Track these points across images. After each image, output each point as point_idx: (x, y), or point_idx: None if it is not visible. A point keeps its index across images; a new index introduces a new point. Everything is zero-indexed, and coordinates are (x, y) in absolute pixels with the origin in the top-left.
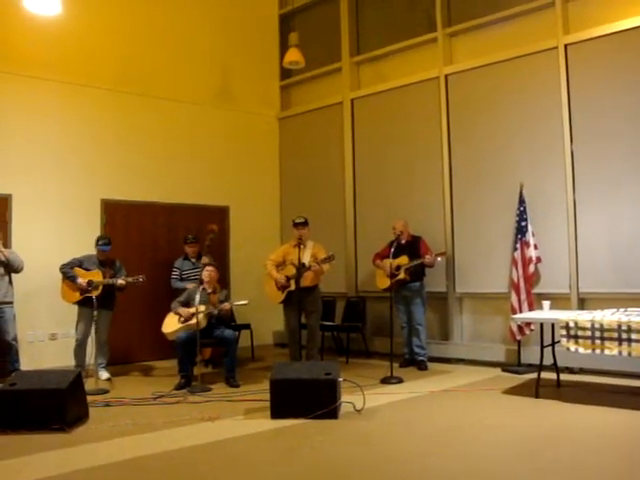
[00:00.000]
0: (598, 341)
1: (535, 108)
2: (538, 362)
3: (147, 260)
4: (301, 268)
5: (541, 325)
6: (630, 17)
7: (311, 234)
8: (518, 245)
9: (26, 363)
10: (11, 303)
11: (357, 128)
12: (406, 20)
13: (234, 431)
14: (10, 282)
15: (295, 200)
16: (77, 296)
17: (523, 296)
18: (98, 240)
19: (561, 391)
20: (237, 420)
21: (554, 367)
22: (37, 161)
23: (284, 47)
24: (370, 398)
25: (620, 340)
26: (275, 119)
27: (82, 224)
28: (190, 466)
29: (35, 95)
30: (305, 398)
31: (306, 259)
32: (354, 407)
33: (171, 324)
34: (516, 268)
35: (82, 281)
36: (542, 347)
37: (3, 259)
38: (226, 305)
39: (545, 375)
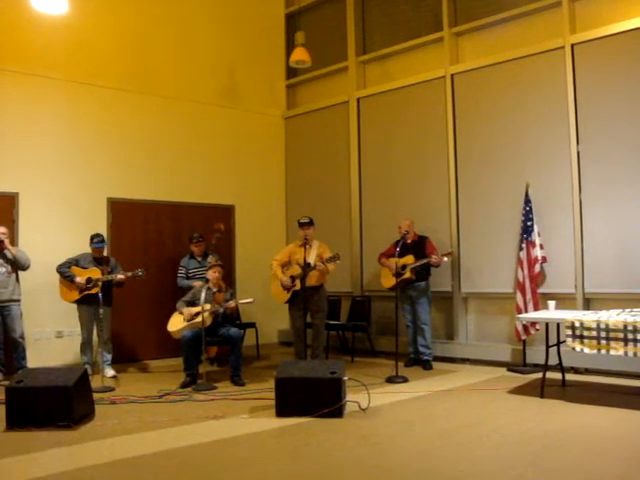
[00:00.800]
0: (604, 341)
1: (541, 108)
2: (543, 362)
3: (153, 259)
4: (307, 268)
5: (546, 325)
6: (637, 16)
7: (317, 234)
8: (524, 245)
9: (33, 360)
10: (18, 301)
11: (363, 127)
12: (412, 19)
13: (239, 429)
14: (17, 280)
15: (301, 199)
16: (76, 295)
17: (529, 296)
18: (92, 238)
19: (566, 391)
20: (242, 418)
21: (559, 367)
22: (44, 160)
23: (290, 46)
24: (375, 397)
25: (626, 340)
26: (281, 118)
27: (88, 222)
28: (195, 464)
29: (42, 94)
30: (310, 397)
31: (312, 259)
32: (359, 406)
33: (177, 323)
34: (522, 268)
35: (81, 279)
36: (547, 347)
37: (10, 257)
38: (231, 303)
39: (550, 375)
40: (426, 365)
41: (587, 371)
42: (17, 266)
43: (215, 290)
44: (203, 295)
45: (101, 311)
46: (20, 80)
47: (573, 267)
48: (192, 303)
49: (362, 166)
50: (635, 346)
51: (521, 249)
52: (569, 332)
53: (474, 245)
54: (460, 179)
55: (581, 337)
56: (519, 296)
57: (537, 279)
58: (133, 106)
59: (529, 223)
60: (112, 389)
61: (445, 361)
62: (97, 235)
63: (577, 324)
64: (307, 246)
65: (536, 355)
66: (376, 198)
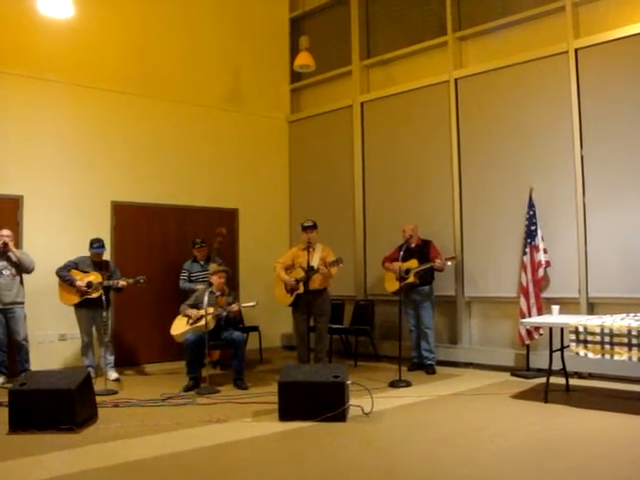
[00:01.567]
0: (607, 346)
1: (545, 112)
2: (547, 367)
3: (156, 262)
4: (310, 271)
5: (550, 330)
6: None
7: (320, 237)
8: (527, 249)
9: (36, 363)
10: (22, 303)
11: (367, 131)
12: (416, 24)
13: (242, 433)
14: (21, 283)
15: (304, 203)
16: (75, 298)
17: (532, 300)
18: (93, 243)
19: (570, 396)
20: (245, 422)
21: (563, 372)
22: (49, 163)
23: (294, 50)
24: (378, 401)
25: (630, 345)
26: (285, 122)
27: (92, 226)
28: (198, 468)
29: (47, 97)
30: (313, 401)
31: (315, 262)
32: (362, 410)
33: (180, 326)
34: (525, 272)
35: (81, 283)
36: (551, 352)
37: (14, 260)
38: (234, 307)
39: (554, 380)
40: (429, 369)
41: (591, 376)
42: (21, 269)
43: (218, 294)
44: (206, 298)
45: (104, 314)
46: (26, 83)
47: (577, 271)
48: (195, 307)
49: (366, 170)
50: (639, 351)
51: (525, 253)
52: (573, 337)
53: (478, 249)
54: (464, 183)
55: (585, 342)
56: (523, 300)
57: (541, 283)
58: (137, 110)
59: (533, 227)
60: (115, 392)
61: (448, 365)
62: (97, 240)
63: (581, 329)
64: (310, 249)
65: (540, 360)
66: (380, 202)
